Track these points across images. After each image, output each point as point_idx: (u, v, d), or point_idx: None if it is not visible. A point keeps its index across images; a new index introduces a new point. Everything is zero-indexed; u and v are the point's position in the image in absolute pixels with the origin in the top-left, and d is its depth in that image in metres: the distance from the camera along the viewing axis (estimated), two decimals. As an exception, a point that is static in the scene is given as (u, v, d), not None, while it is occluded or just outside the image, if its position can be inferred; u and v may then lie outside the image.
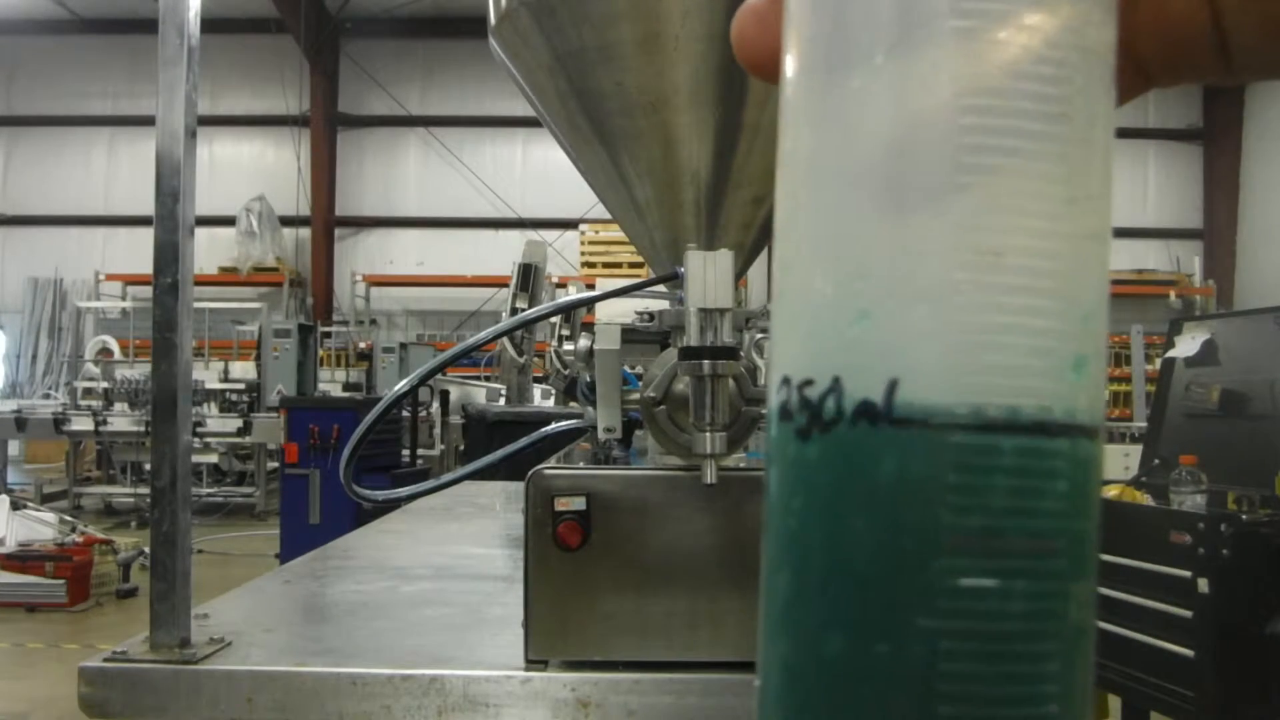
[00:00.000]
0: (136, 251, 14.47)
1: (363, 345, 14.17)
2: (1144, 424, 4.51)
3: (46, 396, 13.89)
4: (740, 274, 1.49)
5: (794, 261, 0.29)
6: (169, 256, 1.45)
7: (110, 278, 14.77)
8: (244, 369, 11.85)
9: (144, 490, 9.22)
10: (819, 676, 0.28)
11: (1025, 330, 0.27)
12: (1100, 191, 0.28)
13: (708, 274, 1.28)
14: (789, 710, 0.28)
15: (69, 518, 7.41)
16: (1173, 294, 14.15)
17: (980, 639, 0.26)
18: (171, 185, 1.45)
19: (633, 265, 12.80)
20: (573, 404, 3.43)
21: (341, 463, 1.57)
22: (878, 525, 0.27)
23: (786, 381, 0.29)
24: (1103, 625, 3.17)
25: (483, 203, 15.27)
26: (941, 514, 0.26)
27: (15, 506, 6.98)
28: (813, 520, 0.28)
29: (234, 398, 11.30)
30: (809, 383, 0.28)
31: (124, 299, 14.23)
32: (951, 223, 0.27)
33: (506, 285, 7.07)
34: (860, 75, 0.27)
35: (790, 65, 0.29)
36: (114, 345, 12.78)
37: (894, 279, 0.27)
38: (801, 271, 0.29)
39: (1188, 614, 2.87)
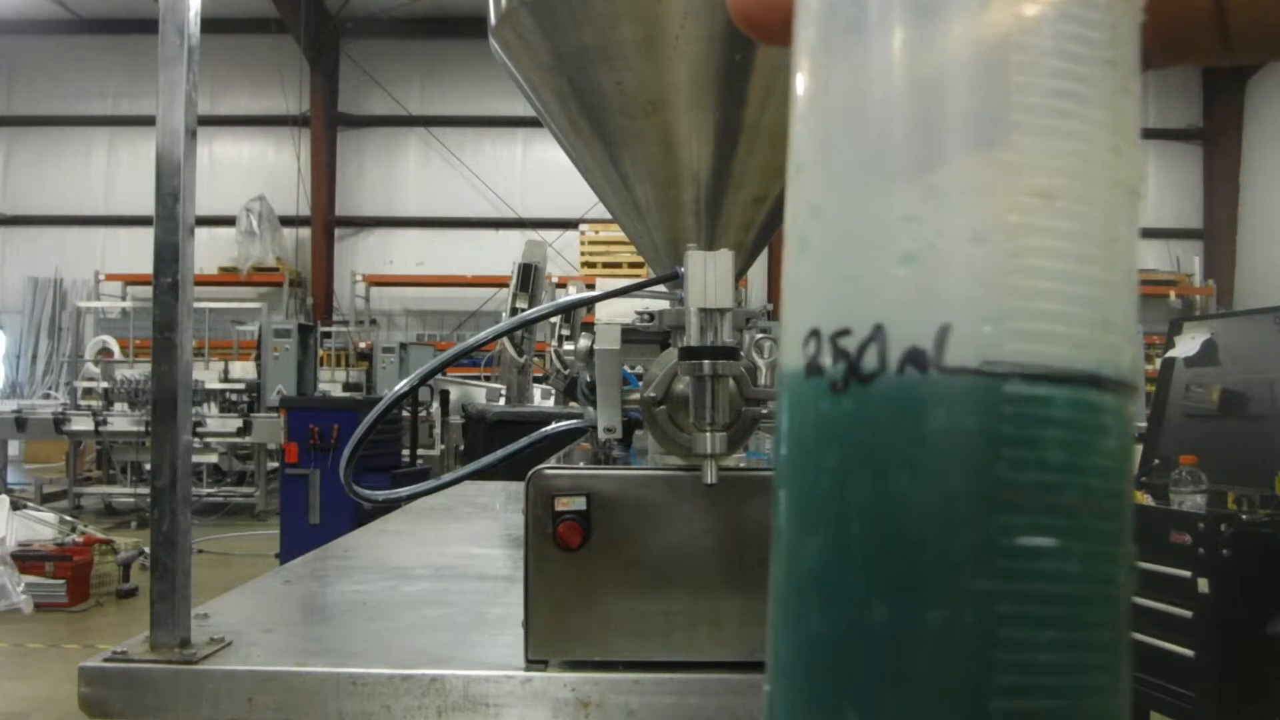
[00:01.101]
0: (136, 251, 14.47)
1: (363, 345, 14.16)
2: (1144, 424, 4.51)
3: (46, 396, 13.89)
4: (740, 274, 1.49)
5: (826, 205, 0.27)
6: (169, 256, 1.45)
7: (110, 278, 14.77)
8: (244, 369, 11.85)
9: (144, 490, 9.22)
10: (860, 651, 0.25)
11: (1078, 278, 0.25)
12: (1136, 145, 0.27)
13: (708, 274, 1.28)
14: (819, 692, 0.26)
15: (69, 518, 7.41)
16: (1173, 294, 14.15)
17: (1038, 602, 0.25)
18: (171, 185, 1.45)
19: (633, 265, 12.81)
20: (573, 404, 3.43)
21: (341, 463, 1.57)
22: (927, 481, 0.25)
23: (815, 334, 0.27)
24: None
25: (483, 203, 15.27)
26: (998, 468, 0.25)
27: (15, 506, 6.98)
28: (851, 480, 0.26)
29: (234, 398, 11.30)
30: (844, 333, 0.26)
31: (124, 299, 14.23)
32: (1003, 164, 0.25)
33: (506, 285, 7.07)
34: (908, 15, 0.26)
35: (821, 4, 0.28)
36: (114, 345, 12.78)
37: (943, 220, 0.25)
38: (837, 215, 0.27)
39: (1188, 614, 2.87)
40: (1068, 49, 0.26)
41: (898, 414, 0.26)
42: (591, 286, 7.29)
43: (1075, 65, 0.26)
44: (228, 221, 14.43)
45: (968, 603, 0.25)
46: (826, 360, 0.27)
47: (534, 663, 1.35)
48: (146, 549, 4.83)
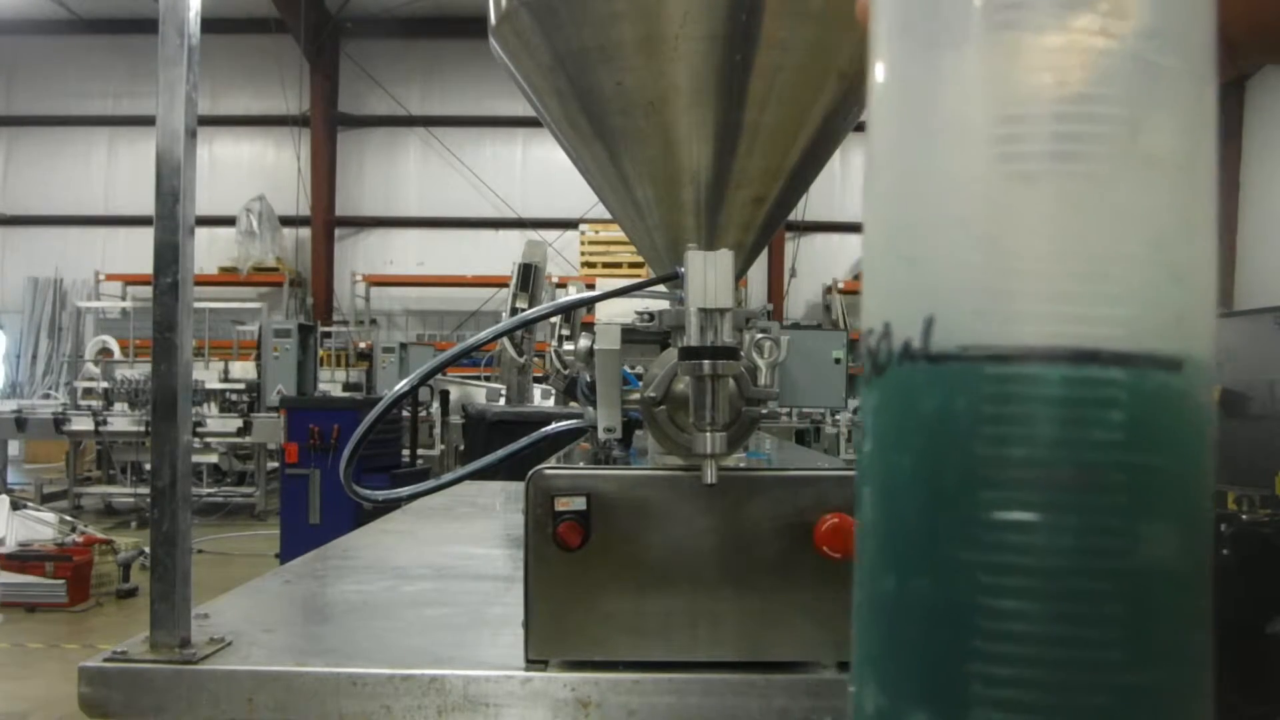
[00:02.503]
0: (136, 251, 14.47)
1: (363, 345, 14.16)
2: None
3: (46, 396, 13.88)
4: (740, 274, 1.49)
5: (870, 217, 0.30)
6: (169, 256, 1.45)
7: (110, 278, 14.77)
8: (244, 369, 11.84)
9: (144, 490, 9.22)
10: (876, 614, 0.28)
11: (1065, 255, 0.26)
12: (1160, 123, 0.26)
13: (708, 274, 1.28)
14: (857, 655, 0.29)
15: (69, 518, 7.40)
16: (1172, 294, 14.13)
17: (1023, 575, 0.25)
18: (171, 185, 1.45)
19: (633, 265, 12.80)
20: (573, 404, 3.43)
21: (341, 463, 1.57)
22: (920, 461, 0.27)
23: (864, 332, 0.30)
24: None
25: (483, 203, 15.26)
26: (978, 446, 0.26)
27: (15, 506, 6.97)
28: (873, 463, 0.29)
29: (234, 398, 11.29)
30: (870, 332, 0.29)
31: (124, 299, 14.22)
32: (989, 155, 0.26)
33: (506, 285, 7.07)
34: (954, 46, 0.27)
35: (882, 31, 0.30)
36: (114, 345, 12.78)
37: (933, 217, 0.27)
38: (872, 224, 0.30)
39: (1188, 614, 2.87)
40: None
41: (899, 402, 0.28)
42: (591, 286, 7.29)
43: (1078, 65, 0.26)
44: (228, 221, 14.43)
45: (952, 574, 0.26)
46: (863, 357, 0.30)
47: (534, 663, 1.35)
48: (146, 549, 4.83)
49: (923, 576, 0.26)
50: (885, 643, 0.27)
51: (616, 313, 1.77)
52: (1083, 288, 0.26)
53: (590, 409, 1.62)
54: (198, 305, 1.90)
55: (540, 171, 14.76)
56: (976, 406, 0.26)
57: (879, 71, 0.29)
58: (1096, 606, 0.25)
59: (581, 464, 1.44)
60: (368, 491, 1.65)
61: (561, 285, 11.45)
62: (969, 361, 0.26)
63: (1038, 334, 0.26)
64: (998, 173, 0.26)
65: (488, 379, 8.92)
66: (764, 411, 1.35)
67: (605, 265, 13.42)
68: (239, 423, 10.52)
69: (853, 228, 15.14)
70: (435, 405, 9.38)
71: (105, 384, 11.17)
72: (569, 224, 14.14)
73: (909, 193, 0.28)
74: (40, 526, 6.84)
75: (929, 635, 0.26)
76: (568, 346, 2.01)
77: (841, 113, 1.50)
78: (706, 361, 1.25)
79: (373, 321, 15.32)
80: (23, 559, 6.44)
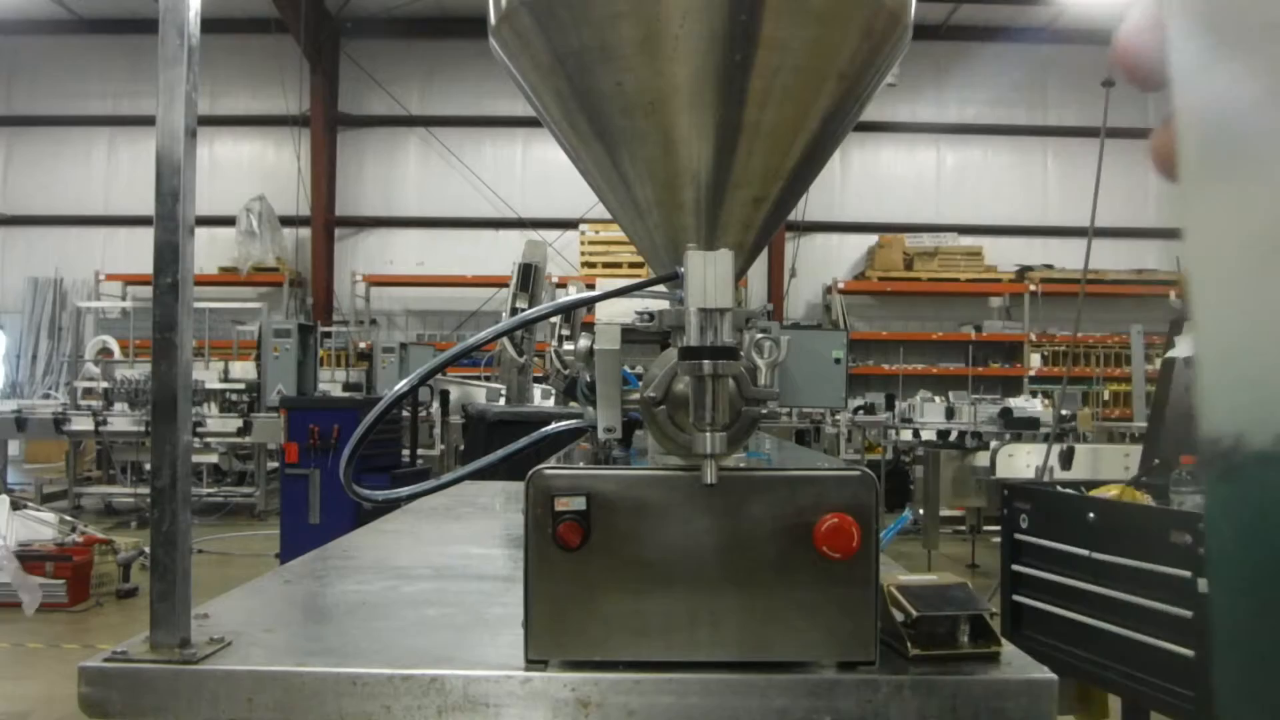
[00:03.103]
0: (136, 251, 14.47)
1: (363, 345, 14.16)
2: (1144, 424, 4.51)
3: (46, 396, 13.87)
4: (740, 274, 1.49)
5: (1202, 341, 0.36)
6: (169, 256, 1.45)
7: (110, 278, 14.76)
8: (244, 369, 11.83)
9: (144, 490, 9.22)
10: (1250, 669, 0.34)
11: None
12: None
13: (708, 274, 1.28)
14: (1224, 696, 0.35)
15: (69, 518, 7.40)
16: (1173, 294, 14.12)
17: None
18: (171, 185, 1.45)
19: (633, 265, 12.81)
20: (573, 404, 3.43)
21: (341, 463, 1.57)
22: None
23: (1208, 439, 0.36)
24: (1102, 625, 3.17)
25: (483, 203, 15.26)
26: None
27: (15, 506, 6.97)
28: (1238, 544, 0.35)
29: (234, 398, 11.29)
30: (1218, 439, 0.35)
31: (124, 299, 14.22)
32: None
33: (506, 285, 7.07)
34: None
35: (1193, 170, 0.36)
36: (114, 345, 12.77)
37: (1271, 346, 0.33)
38: (1206, 348, 0.36)
39: (1188, 614, 2.87)
40: None
41: (1259, 495, 0.34)
42: (591, 286, 7.29)
43: None
44: (228, 221, 14.42)
45: None
46: (1213, 458, 0.36)
47: (534, 663, 1.35)
48: (146, 549, 4.83)
49: None
50: (1261, 693, 0.34)
51: (616, 313, 1.77)
52: None
53: (590, 409, 1.62)
54: (198, 305, 1.90)
55: (540, 171, 14.76)
56: None
57: (1197, 209, 0.37)
58: None
59: (581, 464, 1.44)
60: (368, 491, 1.65)
61: (561, 285, 11.46)
62: None
63: None
64: None
65: (488, 379, 8.92)
66: (764, 411, 1.35)
67: (605, 265, 13.43)
68: (239, 423, 10.53)
69: (853, 228, 15.15)
70: (435, 405, 9.39)
71: (105, 384, 11.17)
72: (569, 224, 14.14)
73: (1245, 324, 0.34)
74: (40, 526, 6.84)
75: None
76: (568, 346, 2.02)
77: (841, 113, 1.50)
78: (706, 361, 1.25)
79: (373, 321, 15.32)
80: (23, 559, 6.44)
